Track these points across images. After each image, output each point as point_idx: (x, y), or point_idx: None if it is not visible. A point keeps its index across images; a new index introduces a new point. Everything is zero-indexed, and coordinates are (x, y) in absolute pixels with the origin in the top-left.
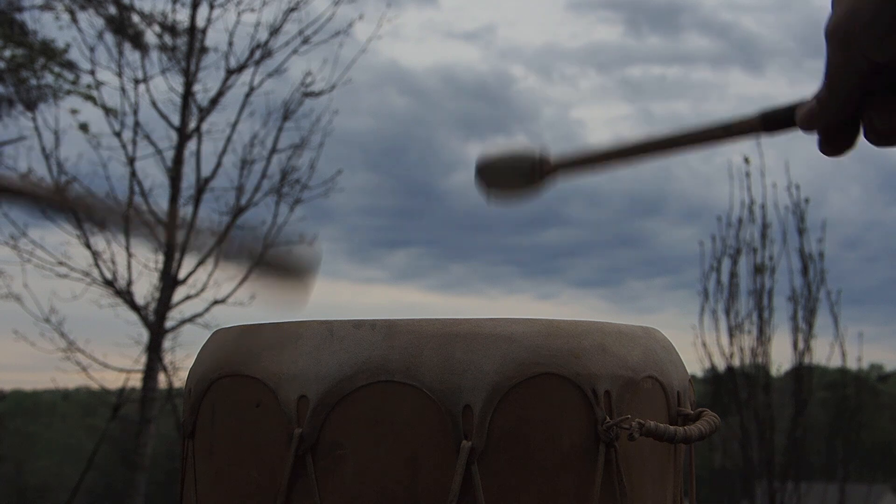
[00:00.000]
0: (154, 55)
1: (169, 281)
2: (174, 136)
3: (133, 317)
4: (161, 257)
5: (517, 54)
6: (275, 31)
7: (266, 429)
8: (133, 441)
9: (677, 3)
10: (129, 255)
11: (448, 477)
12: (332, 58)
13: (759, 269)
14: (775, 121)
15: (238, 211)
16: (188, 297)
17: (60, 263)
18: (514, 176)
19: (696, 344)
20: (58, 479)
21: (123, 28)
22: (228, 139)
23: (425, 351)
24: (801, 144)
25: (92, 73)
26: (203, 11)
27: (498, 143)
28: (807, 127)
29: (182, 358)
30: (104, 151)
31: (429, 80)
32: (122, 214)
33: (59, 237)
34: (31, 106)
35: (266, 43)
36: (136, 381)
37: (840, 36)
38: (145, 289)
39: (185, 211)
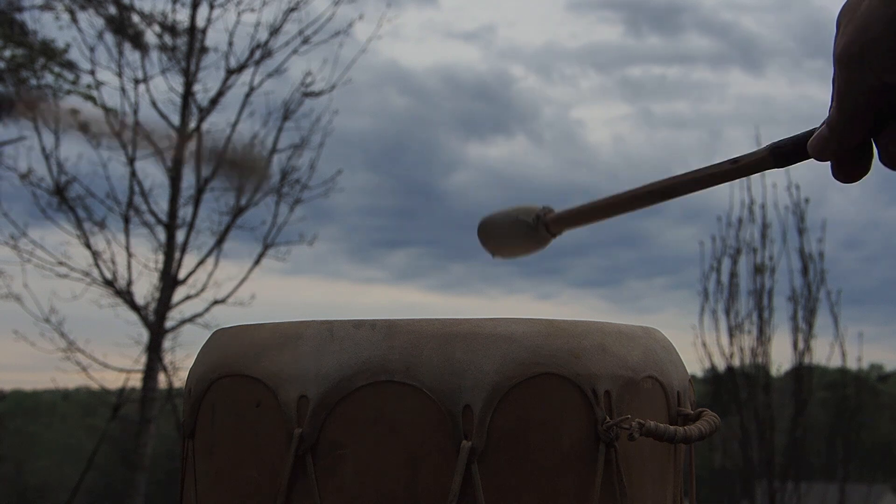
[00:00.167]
0: (154, 55)
1: (169, 281)
2: (174, 136)
3: (133, 317)
4: (161, 257)
5: (517, 54)
6: (275, 31)
7: (266, 429)
8: (133, 441)
9: (677, 3)
10: (129, 255)
11: (448, 477)
12: (332, 58)
13: (759, 269)
14: (785, 154)
15: (238, 211)
16: (188, 297)
17: (60, 263)
18: (514, 235)
19: (696, 344)
20: (58, 479)
21: (123, 28)
22: (228, 139)
23: (425, 351)
24: None
25: (92, 73)
26: (203, 11)
27: (501, 210)
28: (819, 155)
29: (182, 358)
30: (104, 151)
31: (429, 80)
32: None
33: (59, 237)
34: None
35: (266, 43)
36: (136, 381)
37: (850, 57)
38: (145, 289)
39: (185, 211)
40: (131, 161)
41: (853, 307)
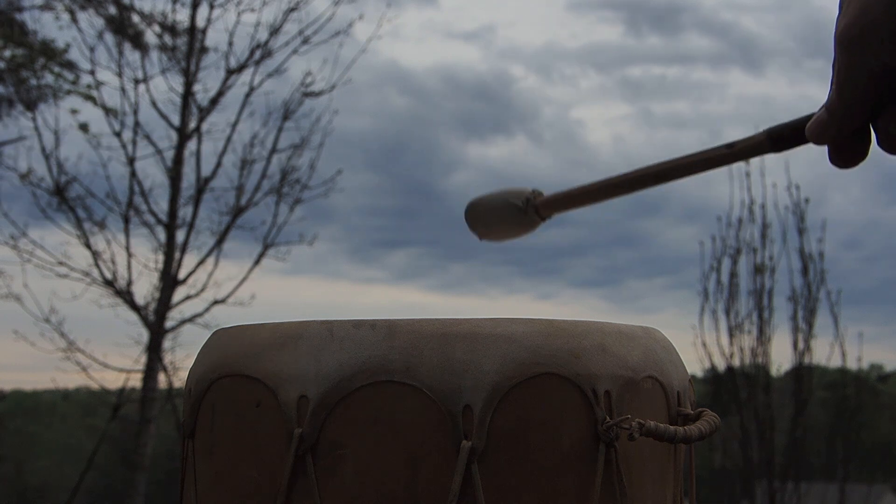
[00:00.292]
0: (154, 55)
1: (169, 281)
2: (174, 136)
3: (133, 317)
4: (161, 257)
5: (517, 54)
6: (275, 31)
7: (266, 429)
8: (133, 441)
9: (677, 3)
10: (129, 255)
11: (448, 477)
12: (332, 58)
13: (759, 269)
14: (782, 138)
15: (238, 211)
16: (188, 297)
17: (60, 263)
18: (503, 219)
19: (696, 344)
20: (58, 479)
21: (123, 28)
22: (228, 139)
23: (425, 351)
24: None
25: (92, 73)
26: (203, 11)
27: (490, 191)
28: (818, 139)
29: (182, 358)
30: (104, 151)
31: (429, 80)
32: None
33: (59, 237)
34: (31, 106)
35: (266, 43)
36: (136, 381)
37: (851, 39)
38: (145, 289)
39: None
40: (131, 161)
41: (853, 307)
